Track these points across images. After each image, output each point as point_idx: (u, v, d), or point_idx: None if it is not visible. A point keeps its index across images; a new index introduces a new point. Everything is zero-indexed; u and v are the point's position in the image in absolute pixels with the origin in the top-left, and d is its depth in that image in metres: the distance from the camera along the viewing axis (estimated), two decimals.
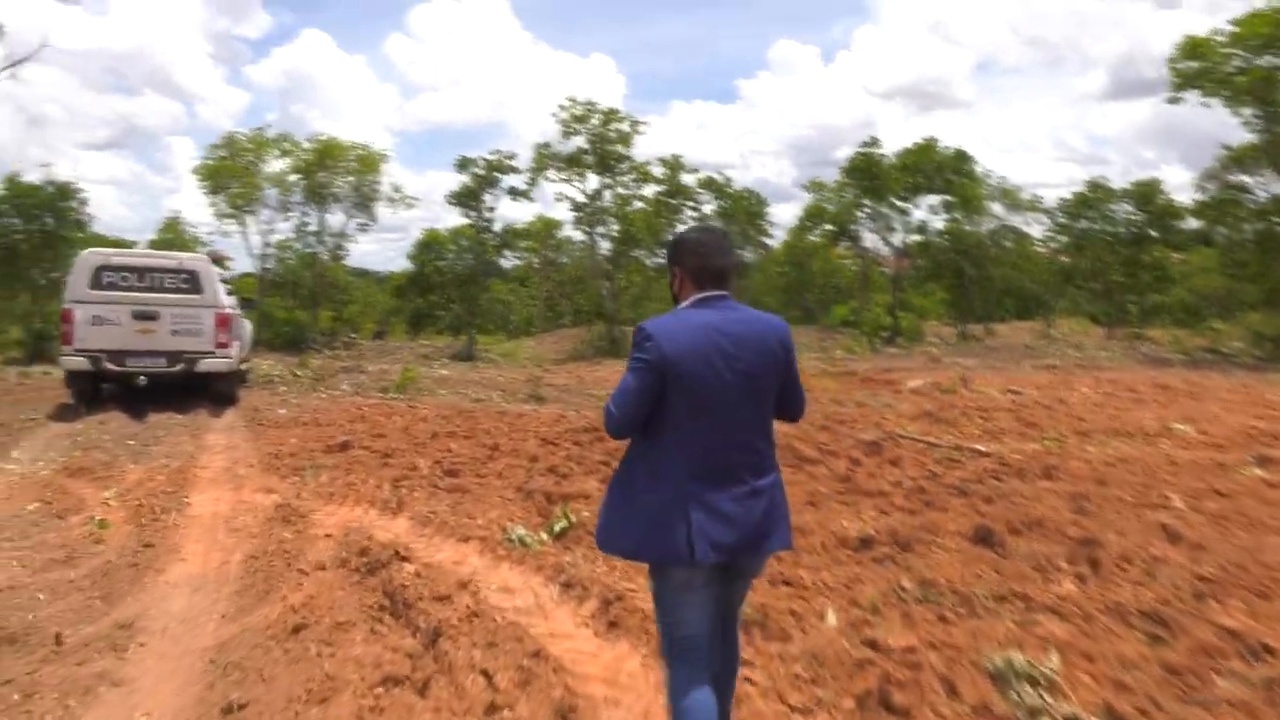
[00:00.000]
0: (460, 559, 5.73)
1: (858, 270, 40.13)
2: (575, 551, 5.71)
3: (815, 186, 31.48)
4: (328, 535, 6.20)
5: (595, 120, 23.89)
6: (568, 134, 24.17)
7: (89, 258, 11.40)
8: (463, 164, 27.31)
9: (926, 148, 26.29)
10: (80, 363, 11.05)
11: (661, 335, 2.56)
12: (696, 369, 2.53)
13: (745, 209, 33.27)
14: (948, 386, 13.74)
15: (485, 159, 27.04)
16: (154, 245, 38.45)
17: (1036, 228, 31.60)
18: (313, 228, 31.88)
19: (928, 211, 28.70)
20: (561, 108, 24.03)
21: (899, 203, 27.77)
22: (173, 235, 38.11)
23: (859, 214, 28.96)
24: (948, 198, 27.76)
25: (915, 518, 6.19)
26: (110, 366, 11.12)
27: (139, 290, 11.29)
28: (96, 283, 11.15)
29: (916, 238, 29.46)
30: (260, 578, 5.29)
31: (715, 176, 32.12)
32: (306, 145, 29.85)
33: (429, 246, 43.03)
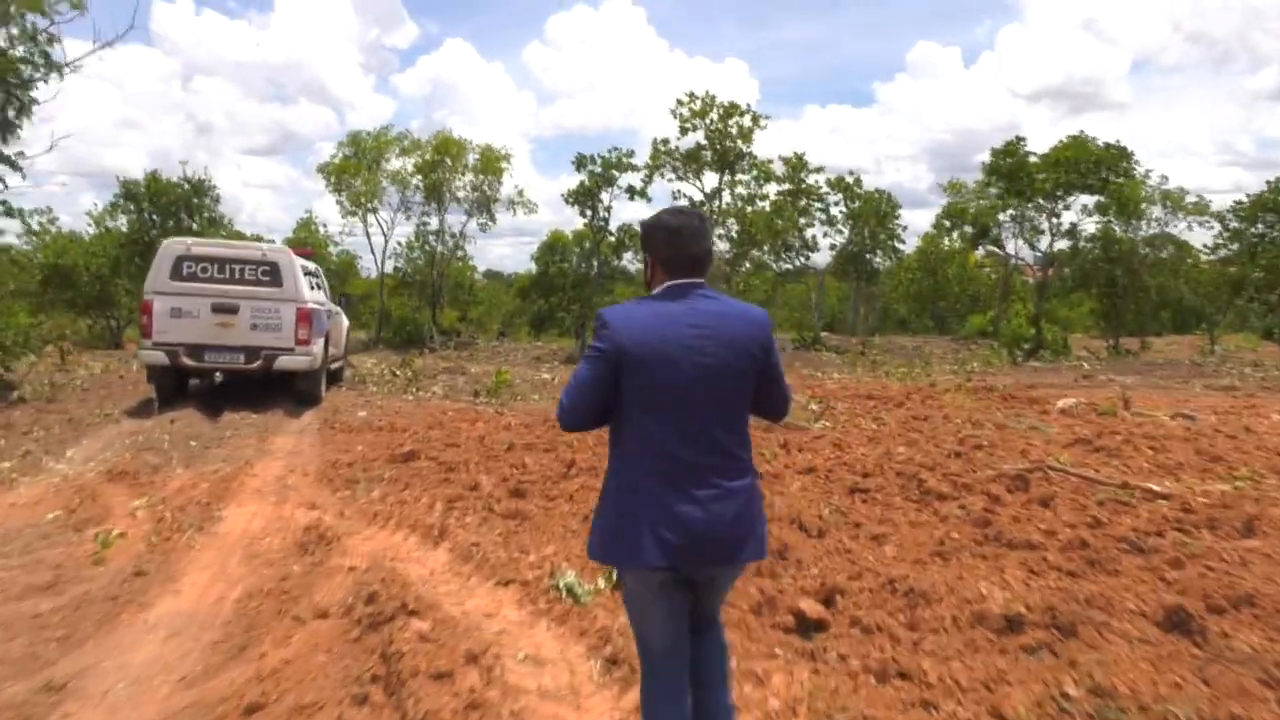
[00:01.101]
0: (492, 610, 4.68)
1: (997, 277, 37.53)
2: None
3: (954, 187, 29.34)
4: (351, 568, 5.27)
5: (714, 115, 22.70)
6: (686, 130, 23.07)
7: (170, 247, 10.98)
8: (580, 162, 26.64)
9: (1080, 142, 23.82)
10: (157, 356, 10.64)
11: (618, 323, 2.40)
12: (652, 360, 2.36)
13: (875, 211, 31.36)
14: (1105, 408, 11.89)
15: (602, 156, 26.29)
16: (289, 243, 39.55)
17: (1200, 234, 28.47)
18: (433, 227, 31.86)
19: (1079, 213, 26.15)
20: (679, 102, 22.97)
21: (1046, 203, 25.34)
22: (306, 234, 39.04)
23: (1002, 216, 26.65)
24: (1101, 198, 25.18)
25: (1078, 584, 4.78)
26: (187, 361, 10.68)
27: (219, 282, 10.81)
28: (177, 273, 10.73)
29: (1065, 243, 26.92)
30: (247, 624, 4.37)
31: (844, 176, 30.33)
32: (426, 143, 29.77)
33: (553, 248, 42.94)
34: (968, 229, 28.31)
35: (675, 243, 2.51)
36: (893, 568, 5.18)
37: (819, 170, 25.26)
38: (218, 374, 11.66)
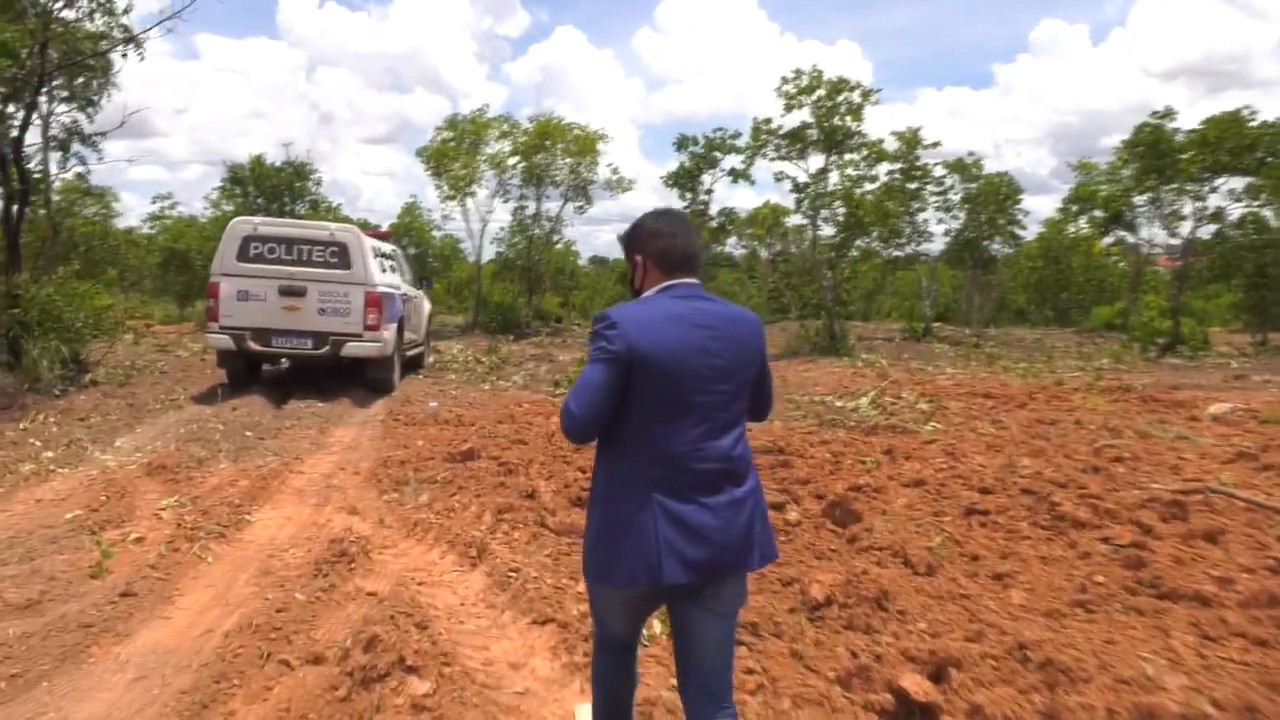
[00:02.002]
0: (520, 659, 3.86)
1: (1127, 266, 34.86)
2: None
3: (1084, 168, 27.09)
4: (370, 594, 4.54)
5: (822, 91, 21.33)
6: (790, 107, 21.76)
7: (236, 227, 10.56)
8: (681, 143, 25.67)
9: (1235, 118, 21.44)
10: (224, 341, 10.24)
11: (629, 323, 2.26)
12: (670, 364, 2.26)
13: (996, 195, 29.31)
14: (1268, 415, 10.32)
15: (705, 137, 25.24)
16: (395, 229, 39.91)
17: None
18: (530, 211, 31.41)
19: (1225, 197, 23.68)
20: (784, 79, 21.67)
21: (1191, 186, 23.00)
22: (411, 219, 39.30)
23: (1137, 199, 24.39)
24: (1254, 180, 22.71)
25: (1274, 661, 3.68)
26: (254, 346, 10.24)
27: (287, 264, 10.33)
28: (244, 254, 10.30)
29: (1210, 228, 24.46)
30: (225, 669, 3.64)
31: (963, 158, 28.35)
32: (525, 126, 29.26)
33: None
34: (1097, 213, 26.10)
35: (669, 239, 2.44)
36: (1022, 624, 4.13)
37: (935, 145, 23.57)
38: (283, 360, 11.22)
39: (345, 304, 10.27)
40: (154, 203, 26.86)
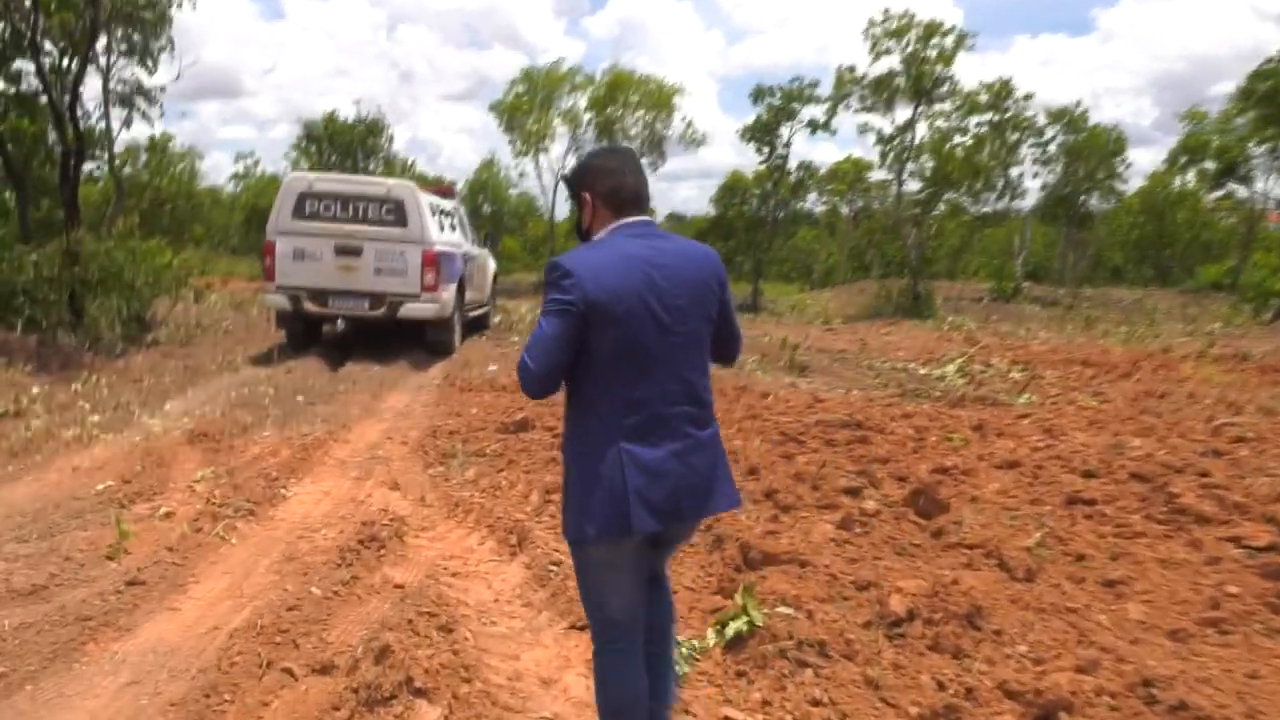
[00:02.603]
0: (554, 673, 3.42)
1: (1238, 223, 32.65)
2: (751, 686, 3.23)
3: (1194, 117, 25.26)
4: (398, 586, 4.13)
5: (912, 35, 20.08)
6: (878, 54, 20.60)
7: (293, 183, 10.22)
8: (757, 94, 24.66)
9: None
10: (280, 301, 9.97)
11: (582, 270, 2.16)
12: (627, 309, 2.17)
13: (1101, 147, 27.55)
14: None
15: (782, 88, 24.20)
16: (471, 186, 39.81)
17: None
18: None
19: None
20: (872, 22, 20.48)
21: None
22: (488, 175, 39.13)
23: (1254, 149, 22.57)
24: None
25: None
26: (311, 307, 9.95)
27: (343, 221, 9.97)
28: (299, 212, 9.97)
29: None
30: (220, 679, 3.26)
31: (1069, 107, 26.57)
32: (599, 79, 28.62)
33: (732, 190, 41.36)
34: (1209, 165, 24.30)
35: (619, 177, 2.34)
36: (1144, 648, 3.50)
37: (1028, 97, 22.05)
38: (339, 321, 10.93)
39: (402, 263, 9.89)
40: (237, 161, 27.37)
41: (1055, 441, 6.73)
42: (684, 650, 3.45)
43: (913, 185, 22.26)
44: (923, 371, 10.90)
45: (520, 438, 6.87)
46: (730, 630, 3.55)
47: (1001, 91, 21.58)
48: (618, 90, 28.06)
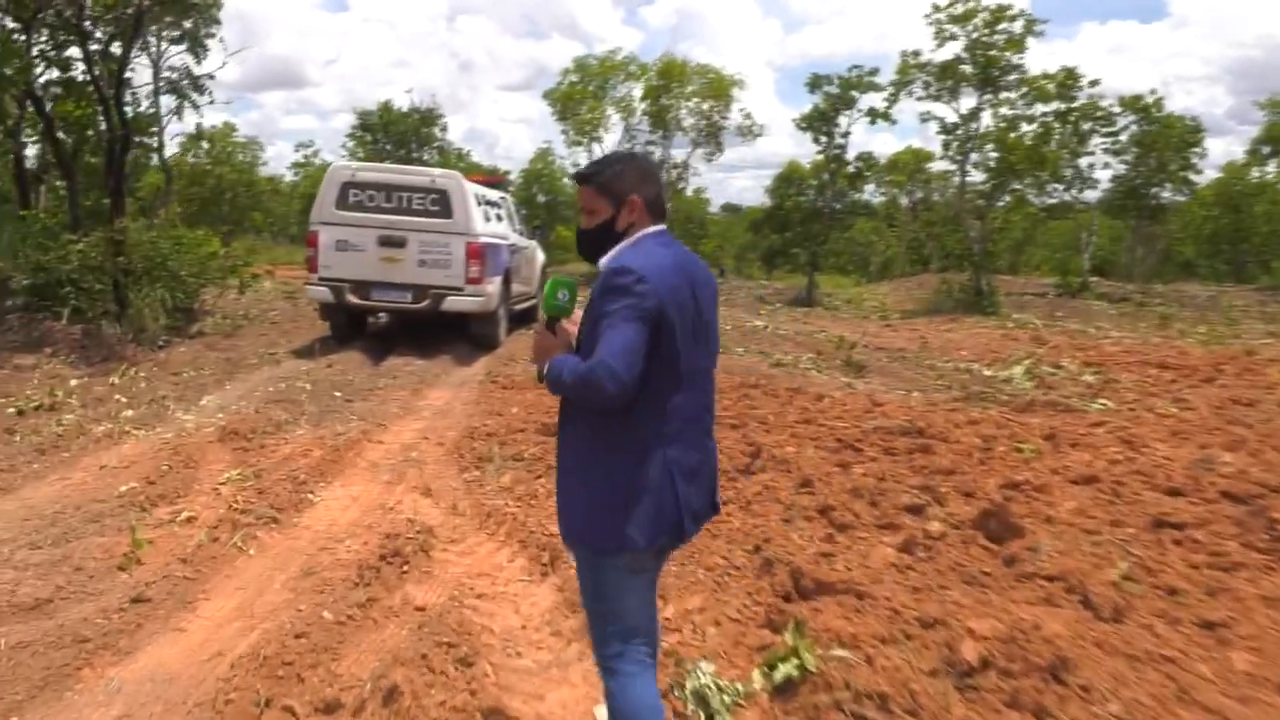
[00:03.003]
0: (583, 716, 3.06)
1: None
2: None
3: (1275, 105, 23.97)
4: (419, 608, 3.83)
5: (979, 20, 19.26)
6: (942, 39, 19.81)
7: (336, 172, 10.00)
8: (814, 83, 23.99)
9: None
10: (323, 293, 9.77)
11: (654, 275, 2.12)
12: (683, 317, 2.18)
13: (1177, 136, 26.32)
14: None
15: (840, 76, 23.51)
16: (525, 175, 39.74)
17: None
18: (657, 156, 30.42)
19: None
20: (936, 7, 19.70)
21: None
22: (543, 165, 39.04)
23: None
24: None
25: None
26: (353, 299, 9.73)
27: (386, 212, 9.73)
28: (343, 201, 9.76)
29: None
30: (216, 715, 2.98)
31: (1143, 95, 25.38)
32: (652, 67, 28.18)
33: (788, 180, 40.71)
34: None
35: (656, 183, 2.35)
36: (1255, 710, 3.05)
37: (1095, 83, 20.99)
38: (381, 314, 10.72)
39: (446, 255, 9.62)
40: (297, 150, 27.65)
41: (1135, 454, 6.21)
42: (726, 695, 3.10)
43: (976, 176, 21.43)
44: (988, 373, 10.35)
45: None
46: (779, 674, 3.19)
47: (1067, 80, 20.57)
48: (671, 79, 27.57)
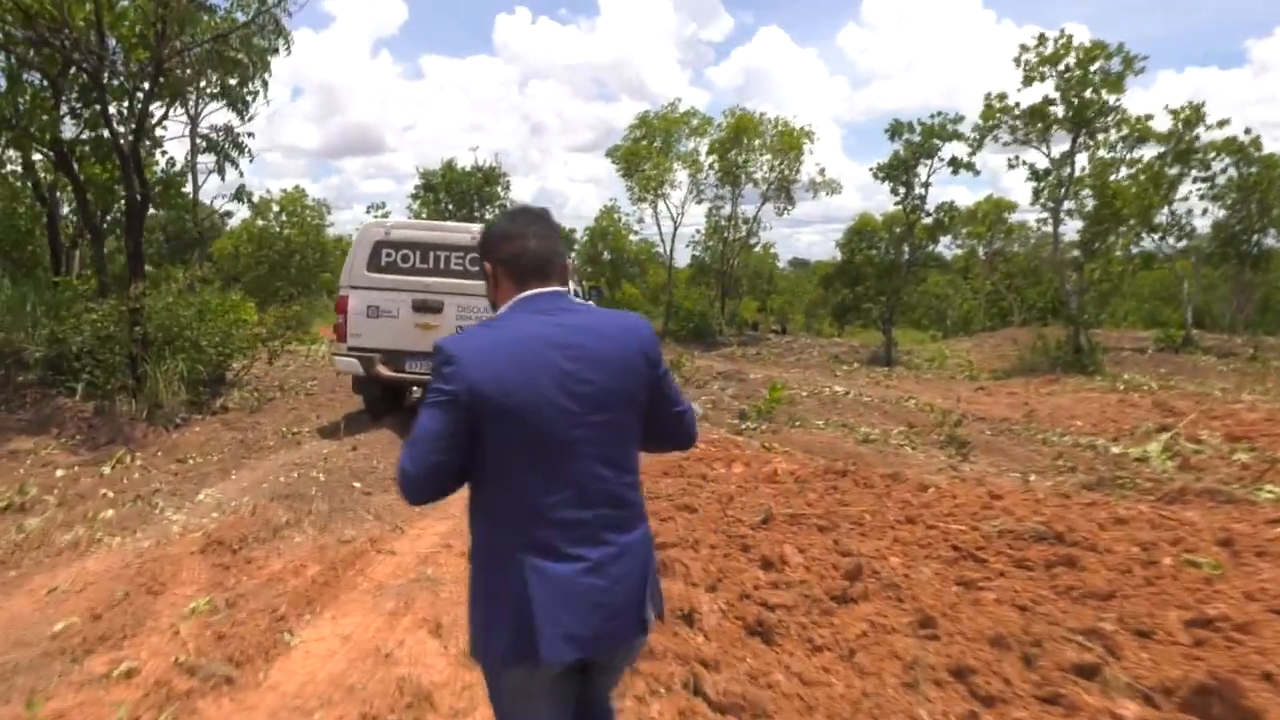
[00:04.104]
0: None
1: None
2: None
3: None
4: None
5: (1070, 60, 17.86)
6: (1031, 79, 18.43)
7: (368, 231, 9.01)
8: (894, 130, 22.75)
9: None
10: (352, 365, 8.74)
11: (467, 356, 1.89)
12: (522, 401, 1.88)
13: (1278, 179, 24.34)
14: None
15: (922, 123, 22.24)
16: (591, 233, 39.20)
17: None
18: (726, 212, 29.49)
19: None
20: (1024, 48, 18.34)
21: None
22: (609, 222, 38.51)
23: None
24: None
25: None
26: (384, 370, 8.67)
27: (422, 273, 8.73)
28: (375, 263, 8.78)
29: None
30: None
31: (1238, 137, 23.53)
32: (720, 122, 27.36)
33: (860, 233, 39.60)
34: None
35: (518, 241, 2.05)
36: None
37: (1223, 124, 19.19)
38: (414, 388, 9.66)
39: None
40: (369, 212, 27.53)
41: None
42: None
43: (1073, 224, 19.78)
44: (1115, 450, 8.84)
45: None
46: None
47: (1192, 118, 18.87)
48: (742, 133, 26.67)
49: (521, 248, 2.05)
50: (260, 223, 38.63)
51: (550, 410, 1.88)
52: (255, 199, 11.73)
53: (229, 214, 43.63)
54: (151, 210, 12.44)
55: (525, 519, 1.90)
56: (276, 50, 9.96)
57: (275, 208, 38.05)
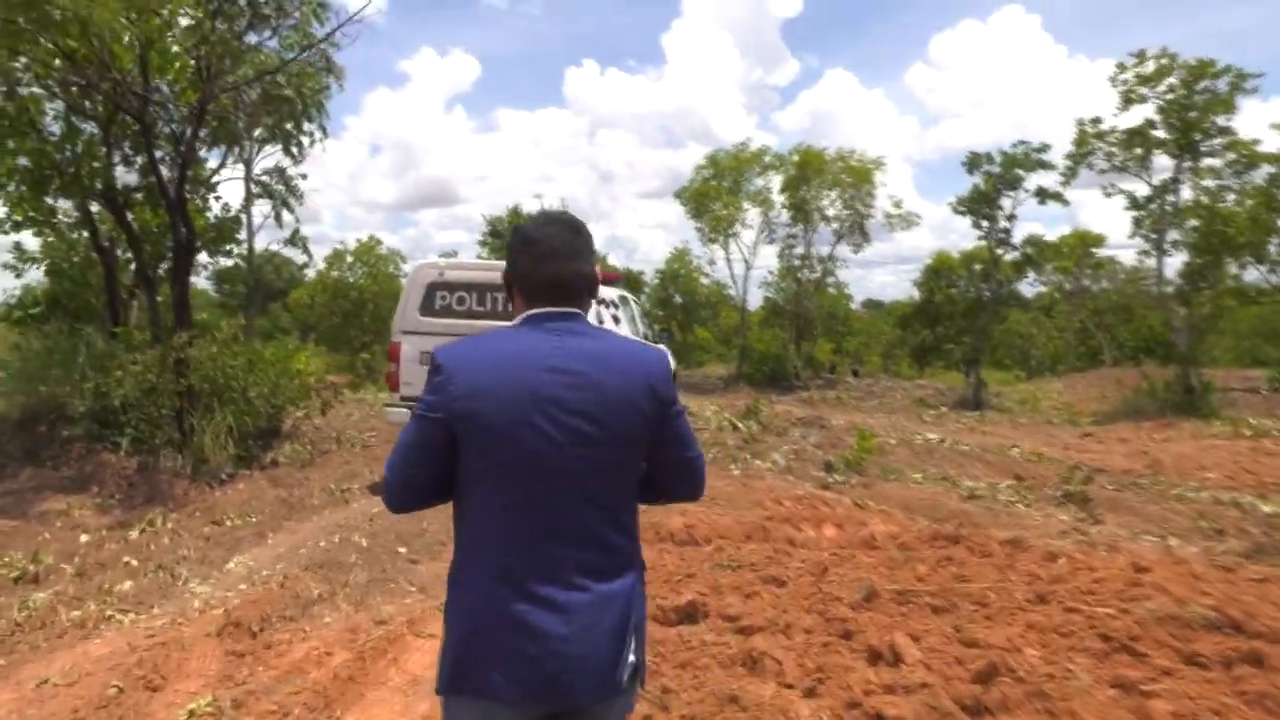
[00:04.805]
0: None
1: None
2: None
3: None
4: None
5: (1174, 79, 16.64)
6: (1129, 101, 17.22)
7: (421, 272, 8.37)
8: (974, 161, 21.66)
9: None
10: (403, 416, 8.09)
11: (456, 367, 1.78)
12: (500, 419, 1.74)
13: None
14: None
15: (1004, 153, 21.11)
16: (661, 276, 38.77)
17: None
18: (799, 251, 28.61)
19: None
20: (1121, 67, 17.15)
21: None
22: (679, 265, 38.08)
23: None
24: None
25: None
26: None
27: (478, 316, 8.07)
28: (428, 306, 8.16)
29: None
30: None
31: None
32: (789, 157, 26.60)
33: (938, 272, 38.36)
34: None
35: (533, 256, 1.87)
36: None
37: None
38: None
39: None
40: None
41: None
42: None
43: (1178, 256, 18.31)
44: (1265, 509, 7.68)
45: (684, 634, 4.52)
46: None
47: None
48: (810, 169, 25.87)
49: (539, 263, 1.86)
50: (335, 273, 39.21)
51: (530, 435, 1.73)
52: (309, 243, 11.39)
53: (305, 265, 44.38)
54: (230, 262, 12.17)
55: (494, 546, 1.78)
56: (328, 87, 9.58)
57: (349, 258, 38.62)
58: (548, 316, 1.84)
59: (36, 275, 12.44)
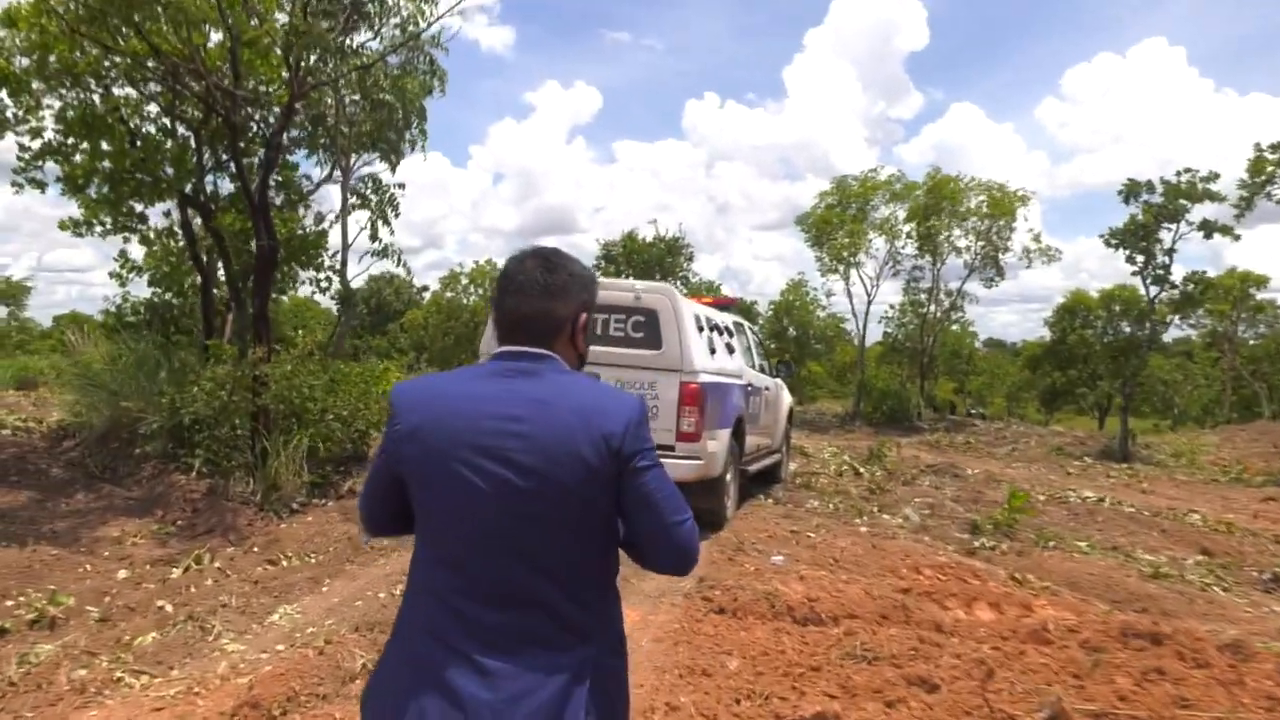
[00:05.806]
0: None
1: None
2: None
3: None
4: None
5: None
6: None
7: None
8: (1130, 191, 19.74)
9: None
10: None
11: (403, 407, 1.64)
12: (429, 466, 1.58)
13: None
14: None
15: (1166, 182, 19.13)
16: (775, 307, 37.52)
17: None
18: (925, 283, 27.00)
19: None
20: None
21: None
22: (795, 296, 36.84)
23: None
24: None
25: None
26: None
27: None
28: None
29: None
30: None
31: None
32: (922, 184, 25.11)
33: (1072, 312, 36.01)
34: None
35: (503, 290, 1.72)
36: None
37: None
38: None
39: (652, 399, 6.89)
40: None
41: None
42: None
43: None
44: None
45: None
46: None
47: None
48: (940, 197, 24.34)
49: (503, 298, 1.70)
50: (449, 294, 39.56)
51: (454, 484, 1.55)
52: (401, 257, 10.76)
53: (424, 288, 44.86)
54: (322, 275, 11.71)
55: (430, 601, 1.58)
56: (430, 90, 8.95)
57: (464, 280, 38.93)
58: (512, 355, 1.65)
59: (141, 286, 12.30)
